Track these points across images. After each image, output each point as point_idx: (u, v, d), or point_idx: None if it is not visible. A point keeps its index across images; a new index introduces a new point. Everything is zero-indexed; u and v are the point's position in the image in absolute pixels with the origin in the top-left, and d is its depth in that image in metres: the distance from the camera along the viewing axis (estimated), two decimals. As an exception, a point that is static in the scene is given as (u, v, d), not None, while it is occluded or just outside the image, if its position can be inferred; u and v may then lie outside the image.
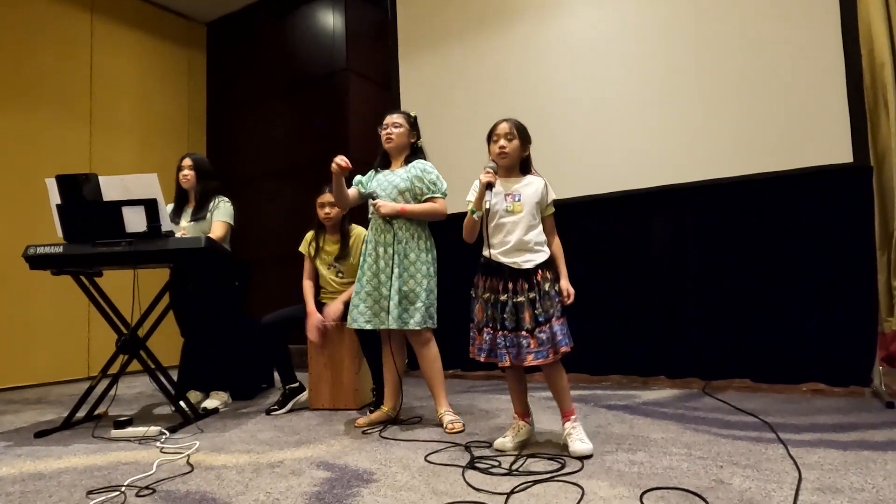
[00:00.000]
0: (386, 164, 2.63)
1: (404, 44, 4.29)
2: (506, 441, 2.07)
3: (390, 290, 2.42)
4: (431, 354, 2.51)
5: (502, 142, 2.09)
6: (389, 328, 2.45)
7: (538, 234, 2.08)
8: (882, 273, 3.17)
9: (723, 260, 3.16)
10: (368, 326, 2.49)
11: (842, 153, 2.82)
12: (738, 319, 3.10)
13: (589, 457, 1.91)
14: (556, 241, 2.15)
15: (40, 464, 2.07)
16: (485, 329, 2.07)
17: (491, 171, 2.05)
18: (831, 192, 2.91)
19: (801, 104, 2.92)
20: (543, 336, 1.97)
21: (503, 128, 2.11)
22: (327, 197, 3.00)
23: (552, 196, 2.14)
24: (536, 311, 1.99)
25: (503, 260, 2.05)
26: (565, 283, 2.06)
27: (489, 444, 2.10)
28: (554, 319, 1.98)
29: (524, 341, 1.98)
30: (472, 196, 2.12)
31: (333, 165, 2.37)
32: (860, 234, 2.84)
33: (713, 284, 3.18)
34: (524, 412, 2.16)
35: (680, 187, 3.23)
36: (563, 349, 1.97)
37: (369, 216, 2.58)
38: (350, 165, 2.37)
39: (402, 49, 4.29)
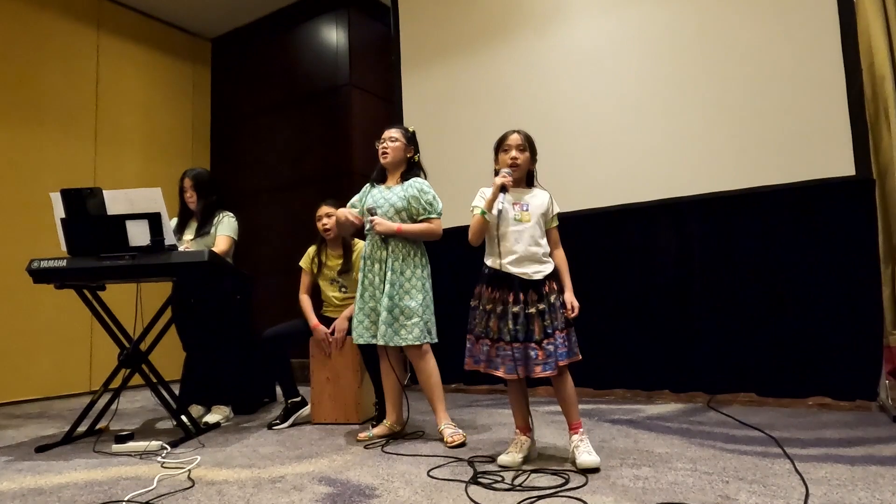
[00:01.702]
0: (382, 178, 2.64)
1: (407, 59, 4.32)
2: (510, 457, 2.05)
3: (380, 306, 2.44)
4: (429, 368, 2.50)
5: (514, 153, 2.12)
6: (380, 344, 2.46)
7: (544, 245, 2.11)
8: (886, 286, 3.15)
9: (726, 273, 3.16)
10: (372, 341, 2.50)
11: (844, 166, 2.83)
12: (742, 333, 3.08)
13: (596, 470, 1.89)
14: (560, 253, 2.16)
15: (41, 479, 2.06)
16: (483, 340, 2.07)
17: (507, 175, 2.08)
18: (834, 206, 2.91)
19: (802, 117, 2.93)
20: (551, 348, 1.98)
21: (515, 139, 2.14)
22: (324, 209, 3.06)
23: (556, 209, 2.19)
24: (545, 323, 2.00)
25: (512, 270, 2.05)
26: (570, 296, 2.07)
27: (492, 459, 2.08)
28: (558, 331, 2.00)
29: (532, 353, 1.99)
30: (478, 202, 2.12)
31: (342, 216, 2.55)
32: (864, 247, 2.84)
33: (717, 298, 3.17)
34: (526, 426, 2.14)
35: (683, 200, 3.23)
36: (568, 360, 1.99)
37: (366, 231, 2.58)
38: (360, 221, 2.55)
39: (405, 64, 4.32)
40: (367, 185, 2.67)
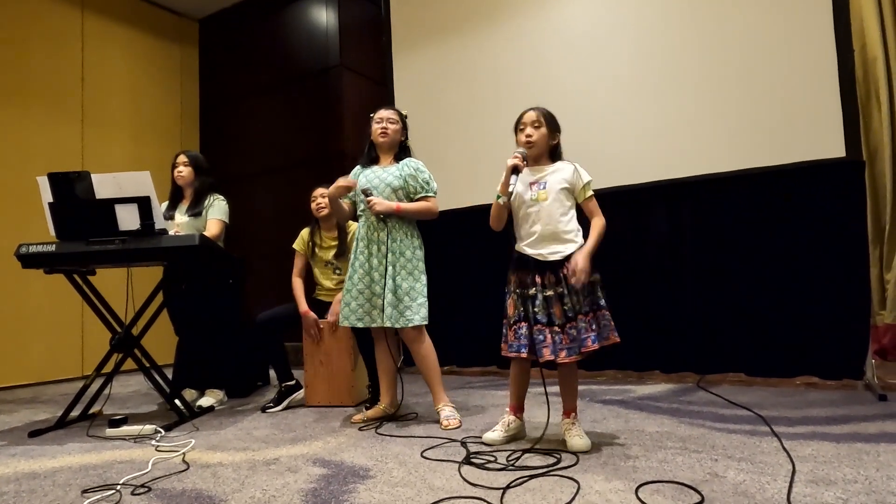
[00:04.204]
0: (373, 158, 2.61)
1: (398, 39, 4.27)
2: (495, 435, 2.07)
3: (384, 289, 2.41)
4: (427, 350, 2.50)
5: (529, 130, 2.07)
6: (384, 326, 2.43)
7: (568, 222, 2.02)
8: (874, 266, 3.19)
9: (717, 254, 3.18)
10: (360, 324, 2.47)
11: (835, 148, 2.83)
12: (732, 314, 3.11)
13: (586, 452, 1.91)
14: (596, 221, 2.03)
15: (35, 463, 2.06)
16: (520, 324, 2.01)
17: (519, 155, 2.03)
18: (824, 187, 2.92)
19: (794, 99, 2.93)
20: (574, 332, 1.93)
21: (529, 116, 2.08)
22: (319, 190, 3.06)
23: (586, 178, 2.05)
24: (565, 307, 1.95)
25: (529, 252, 2.03)
26: (577, 255, 1.94)
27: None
28: (581, 315, 1.93)
29: (557, 337, 1.95)
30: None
31: (334, 189, 2.45)
32: (853, 228, 2.86)
33: (707, 279, 3.19)
34: (519, 407, 2.15)
35: (674, 182, 3.23)
36: (596, 345, 1.91)
37: (359, 212, 2.57)
38: (354, 184, 2.46)
39: (396, 45, 4.27)
40: (357, 167, 2.64)
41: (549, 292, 1.97)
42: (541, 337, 1.96)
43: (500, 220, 2.11)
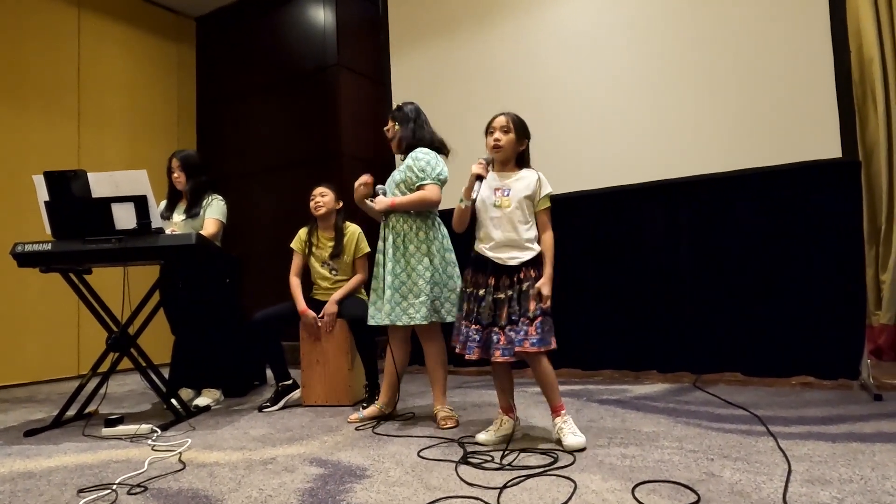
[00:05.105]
0: None
1: (396, 38, 4.27)
2: (487, 435, 2.09)
3: (383, 284, 2.41)
4: (434, 349, 2.48)
5: (497, 134, 2.10)
6: (382, 324, 2.42)
7: (528, 230, 2.07)
8: (870, 267, 3.20)
9: (714, 254, 3.18)
10: (387, 321, 2.42)
11: (831, 148, 2.84)
12: (728, 314, 3.12)
13: (582, 449, 1.92)
14: (547, 237, 2.08)
15: (30, 463, 2.06)
16: (463, 322, 2.11)
17: (484, 162, 2.07)
18: (820, 187, 2.93)
19: (791, 100, 2.94)
20: (512, 334, 1.98)
21: (499, 121, 2.11)
22: (319, 189, 3.06)
23: (546, 190, 2.10)
24: (511, 310, 2.00)
25: (489, 254, 2.08)
26: (541, 283, 2.00)
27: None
28: (525, 319, 1.97)
29: (495, 337, 2.01)
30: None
31: (356, 194, 2.51)
32: (849, 228, 2.87)
33: (704, 279, 3.20)
34: (508, 407, 2.16)
35: (671, 182, 3.24)
36: (533, 349, 1.95)
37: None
38: (371, 179, 2.49)
39: (394, 44, 4.27)
40: None
41: (500, 295, 2.03)
42: (479, 336, 2.05)
43: (463, 222, 2.17)
